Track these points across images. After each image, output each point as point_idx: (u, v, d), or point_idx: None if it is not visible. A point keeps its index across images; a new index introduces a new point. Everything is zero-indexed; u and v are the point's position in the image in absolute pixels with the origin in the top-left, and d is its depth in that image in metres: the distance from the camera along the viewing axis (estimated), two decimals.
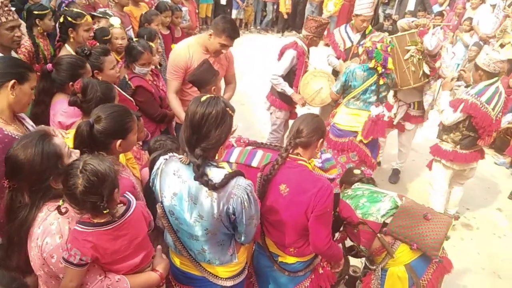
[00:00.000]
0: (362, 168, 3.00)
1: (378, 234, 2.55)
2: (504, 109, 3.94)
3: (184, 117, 1.85)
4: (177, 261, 2.12)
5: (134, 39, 3.87)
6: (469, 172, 4.23)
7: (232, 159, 2.42)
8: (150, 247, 1.92)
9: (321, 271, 2.46)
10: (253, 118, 6.40)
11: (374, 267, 2.71)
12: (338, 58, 4.80)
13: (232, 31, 3.22)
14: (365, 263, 3.07)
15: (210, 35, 3.25)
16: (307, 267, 2.40)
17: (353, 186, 2.81)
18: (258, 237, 2.32)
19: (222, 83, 3.69)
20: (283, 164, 2.19)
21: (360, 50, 4.10)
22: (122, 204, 1.79)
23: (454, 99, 3.89)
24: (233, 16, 11.56)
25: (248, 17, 12.22)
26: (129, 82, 3.47)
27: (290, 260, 2.33)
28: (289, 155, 2.21)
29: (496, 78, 3.79)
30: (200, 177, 1.77)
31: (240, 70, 8.75)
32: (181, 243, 2.01)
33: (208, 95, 1.83)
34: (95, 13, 4.44)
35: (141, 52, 3.48)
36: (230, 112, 1.83)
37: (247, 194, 1.82)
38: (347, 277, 3.07)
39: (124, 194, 1.85)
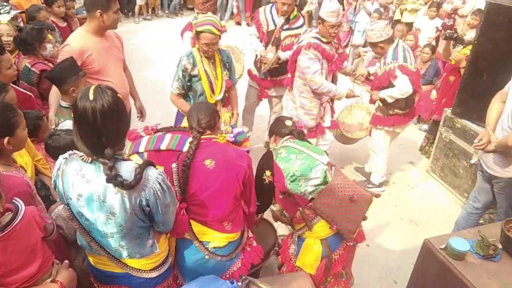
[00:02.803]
0: (294, 119, 2.89)
1: (300, 208, 2.54)
2: None
3: (74, 120, 1.69)
4: (95, 262, 2.01)
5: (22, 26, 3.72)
6: (402, 131, 4.47)
7: (141, 149, 2.34)
8: (48, 254, 1.79)
9: (248, 248, 2.50)
10: (170, 106, 6.15)
11: (292, 231, 2.74)
12: (261, 41, 4.56)
13: None
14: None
15: (101, 15, 3.09)
16: (237, 248, 2.41)
17: (284, 142, 2.70)
18: (186, 228, 2.24)
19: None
20: (199, 146, 2.23)
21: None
22: (9, 212, 1.64)
23: (381, 75, 3.96)
24: (139, 2, 11.12)
25: (154, 1, 11.77)
26: (32, 68, 3.34)
27: (222, 242, 2.30)
28: (202, 136, 2.26)
29: (397, 39, 4.01)
30: (114, 178, 1.65)
31: (151, 57, 8.55)
32: (97, 242, 1.90)
33: (92, 87, 1.67)
34: None
35: (42, 29, 3.38)
36: (118, 94, 1.73)
37: (159, 184, 1.76)
38: (276, 248, 3.13)
39: (13, 200, 1.70)
